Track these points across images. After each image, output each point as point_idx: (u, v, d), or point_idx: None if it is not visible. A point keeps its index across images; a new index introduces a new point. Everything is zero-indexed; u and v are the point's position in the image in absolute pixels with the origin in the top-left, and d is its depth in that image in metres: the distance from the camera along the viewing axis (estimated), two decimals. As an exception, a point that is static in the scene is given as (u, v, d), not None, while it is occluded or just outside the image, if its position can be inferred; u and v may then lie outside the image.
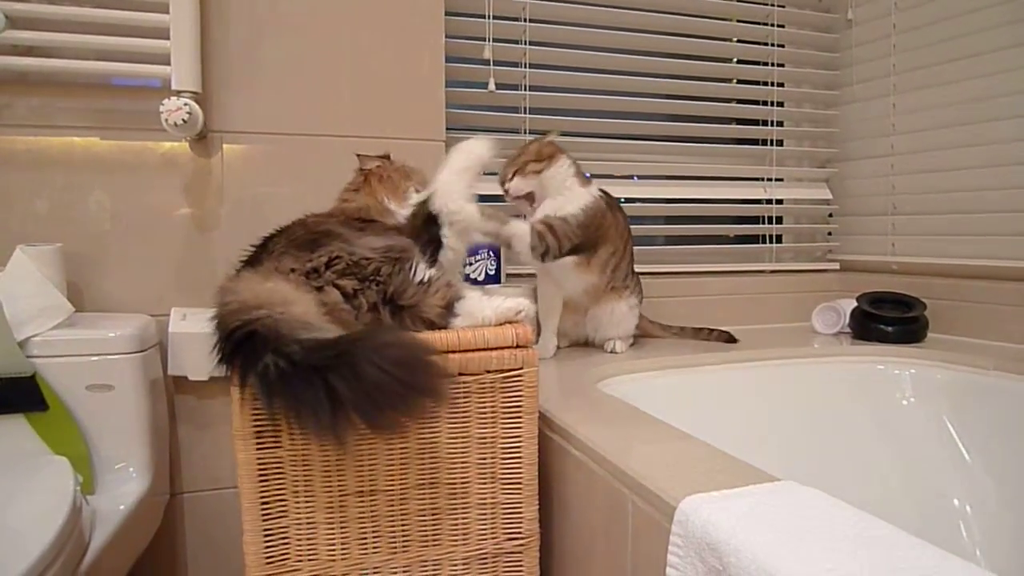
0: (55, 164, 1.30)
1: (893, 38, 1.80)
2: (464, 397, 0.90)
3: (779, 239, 1.99)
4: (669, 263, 1.82)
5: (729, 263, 1.91)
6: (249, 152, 1.40)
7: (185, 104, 1.20)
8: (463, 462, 0.91)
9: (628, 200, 1.85)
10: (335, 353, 0.73)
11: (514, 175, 1.36)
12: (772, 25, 1.91)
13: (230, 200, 1.39)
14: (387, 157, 1.24)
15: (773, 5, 1.90)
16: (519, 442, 0.93)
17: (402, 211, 1.13)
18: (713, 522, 0.62)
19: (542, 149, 1.37)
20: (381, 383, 0.72)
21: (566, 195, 1.36)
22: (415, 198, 1.15)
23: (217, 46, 1.36)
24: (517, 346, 0.91)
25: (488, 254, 1.52)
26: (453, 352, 0.88)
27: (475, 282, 1.50)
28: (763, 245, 1.96)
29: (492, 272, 1.53)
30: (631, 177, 1.86)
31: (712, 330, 1.62)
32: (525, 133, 1.70)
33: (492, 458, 0.92)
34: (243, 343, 0.77)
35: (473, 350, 0.89)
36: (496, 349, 0.90)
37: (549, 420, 0.99)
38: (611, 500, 0.82)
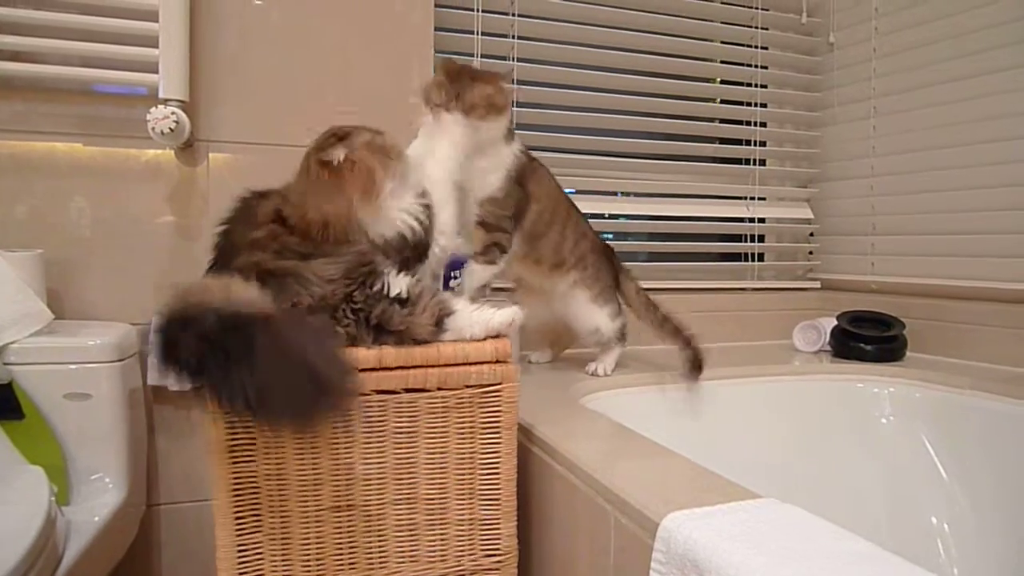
0: (38, 169, 1.30)
1: (873, 62, 1.83)
2: (443, 412, 0.90)
3: (761, 257, 2.01)
4: (652, 280, 1.82)
5: (711, 280, 1.92)
6: (235, 161, 1.40)
7: (172, 113, 1.20)
8: (441, 477, 0.91)
9: (612, 216, 1.87)
10: (235, 326, 0.73)
11: (451, 108, 1.14)
12: (756, 47, 1.94)
13: (215, 209, 1.37)
14: (365, 131, 1.01)
15: (757, 28, 1.93)
16: (498, 458, 0.93)
17: (375, 226, 0.96)
18: (696, 539, 0.63)
19: (495, 98, 1.17)
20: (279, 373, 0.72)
21: (490, 157, 1.22)
22: (400, 209, 0.98)
23: (205, 55, 1.37)
24: (497, 361, 0.92)
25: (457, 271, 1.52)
26: (432, 367, 0.88)
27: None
28: (745, 263, 1.98)
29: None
30: (615, 193, 1.87)
31: (688, 342, 1.39)
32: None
33: (471, 473, 0.92)
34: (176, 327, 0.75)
35: (453, 365, 0.89)
36: (476, 364, 0.91)
37: (531, 434, 1.00)
38: (593, 516, 0.82)
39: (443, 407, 0.90)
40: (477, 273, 1.26)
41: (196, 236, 1.38)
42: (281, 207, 0.93)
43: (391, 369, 0.87)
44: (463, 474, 0.92)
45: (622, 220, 1.88)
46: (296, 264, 0.87)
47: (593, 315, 1.37)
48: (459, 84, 1.16)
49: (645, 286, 1.72)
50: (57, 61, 1.25)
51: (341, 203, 0.93)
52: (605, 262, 1.41)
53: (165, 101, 1.24)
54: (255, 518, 0.85)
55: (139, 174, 1.35)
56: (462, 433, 0.92)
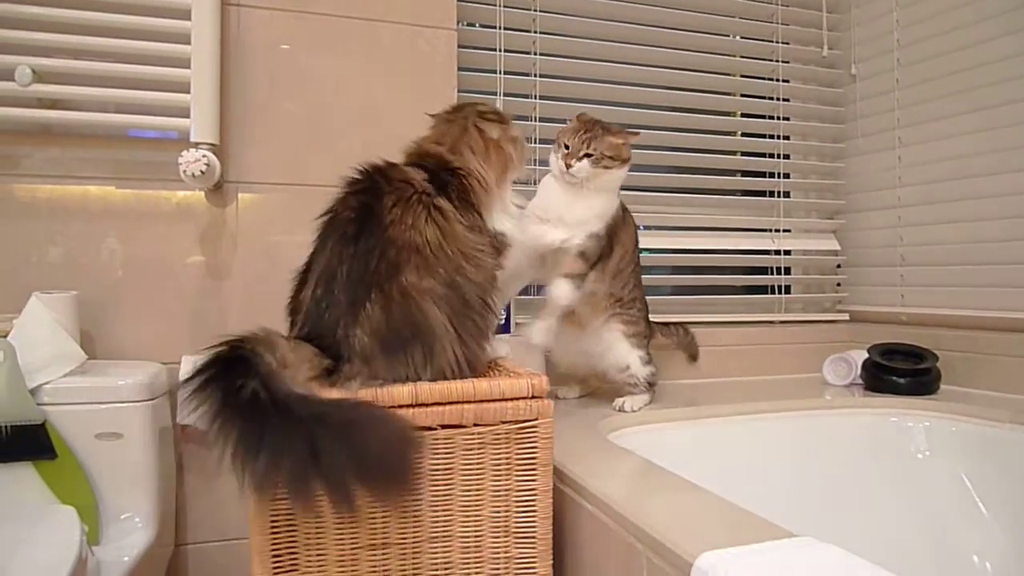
0: (72, 213, 1.32)
1: (896, 93, 1.84)
2: (479, 448, 0.89)
3: (788, 290, 2.00)
4: (676, 313, 1.81)
5: (738, 314, 1.91)
6: (264, 201, 1.42)
7: (204, 156, 1.22)
8: (476, 515, 0.90)
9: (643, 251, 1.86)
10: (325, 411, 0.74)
11: (584, 158, 1.29)
12: (777, 80, 1.95)
13: (244, 249, 1.40)
14: (516, 127, 1.14)
15: (778, 61, 1.95)
16: (534, 495, 0.92)
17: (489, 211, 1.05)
18: (734, 580, 0.61)
19: (622, 150, 1.32)
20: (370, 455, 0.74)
21: (605, 198, 1.35)
22: (510, 204, 1.11)
23: (235, 99, 1.40)
24: (532, 396, 0.91)
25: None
26: (468, 403, 0.88)
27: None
28: (772, 296, 1.96)
29: (502, 322, 1.53)
30: (639, 227, 1.87)
31: (680, 327, 1.68)
32: (534, 184, 1.72)
33: (506, 511, 0.91)
34: (228, 364, 0.76)
35: (488, 400, 0.89)
36: (512, 399, 0.90)
37: (561, 472, 0.98)
38: (625, 555, 0.80)
39: (479, 443, 0.89)
40: (564, 289, 1.30)
41: (225, 275, 1.39)
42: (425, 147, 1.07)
43: (427, 405, 0.87)
44: (498, 511, 0.91)
45: (646, 254, 1.88)
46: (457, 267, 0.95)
47: (627, 354, 1.41)
48: (592, 133, 1.30)
49: (671, 320, 1.72)
50: (93, 108, 1.28)
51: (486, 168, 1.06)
52: (647, 311, 1.51)
53: (196, 144, 1.26)
54: (292, 556, 0.84)
55: (170, 216, 1.37)
56: (497, 469, 0.90)
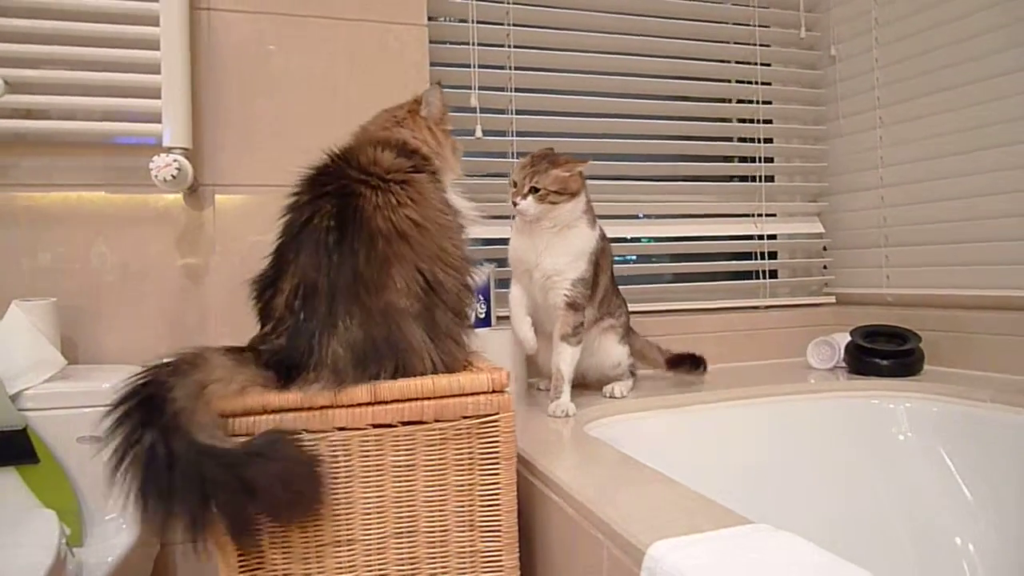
0: (51, 220, 1.34)
1: (876, 72, 1.83)
2: (440, 444, 0.90)
3: (775, 274, 1.99)
4: (660, 301, 1.82)
5: (723, 299, 1.91)
6: (240, 203, 1.43)
7: (175, 160, 1.23)
8: (441, 510, 0.91)
9: (618, 240, 1.86)
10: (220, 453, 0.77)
11: (529, 194, 1.26)
12: (756, 64, 1.94)
13: (222, 250, 1.42)
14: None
15: (756, 45, 1.94)
16: (497, 488, 0.93)
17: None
18: (680, 568, 0.62)
19: (569, 183, 1.28)
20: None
21: (571, 233, 1.31)
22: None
23: (208, 103, 1.41)
24: (493, 391, 0.92)
25: (478, 298, 1.53)
26: (428, 399, 0.89)
27: (465, 325, 1.51)
28: (757, 281, 1.96)
29: (482, 316, 1.53)
30: (637, 216, 1.88)
31: (689, 359, 1.55)
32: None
33: (470, 505, 0.92)
34: (136, 406, 0.78)
35: (448, 396, 0.90)
36: (472, 395, 0.91)
37: (531, 465, 0.99)
38: (588, 546, 0.81)
39: (441, 439, 0.90)
40: (571, 355, 1.31)
41: (204, 277, 1.41)
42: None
43: (386, 403, 0.88)
44: (463, 506, 0.92)
45: (629, 243, 1.88)
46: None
47: (618, 353, 1.46)
48: (536, 168, 1.27)
49: (655, 308, 1.72)
50: (68, 116, 1.30)
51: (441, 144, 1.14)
52: (624, 301, 1.53)
53: (169, 149, 1.27)
54: (257, 555, 0.86)
55: (148, 220, 1.39)
56: (461, 465, 0.91)
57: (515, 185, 1.30)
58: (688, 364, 1.54)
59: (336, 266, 0.90)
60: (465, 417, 0.91)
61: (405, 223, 0.93)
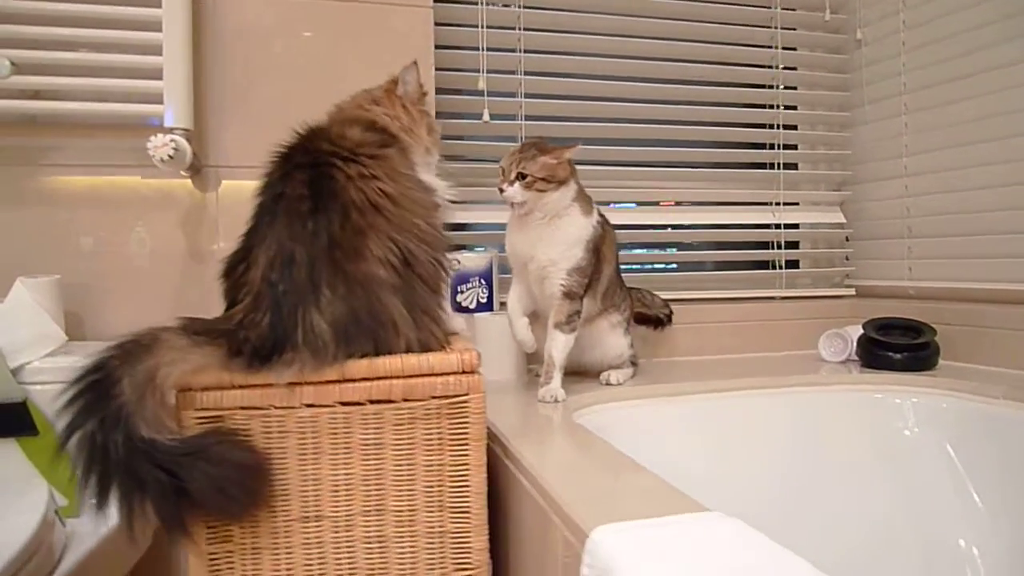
0: (58, 201, 1.38)
1: (903, 57, 1.75)
2: (409, 423, 0.90)
3: (793, 264, 1.94)
4: (677, 290, 1.78)
5: (738, 289, 1.86)
6: (245, 185, 1.44)
7: (172, 140, 1.24)
8: (410, 489, 0.91)
9: (631, 226, 1.83)
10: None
11: (516, 181, 1.24)
12: (776, 48, 1.88)
13: (226, 231, 1.44)
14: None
15: (777, 28, 1.88)
16: (467, 470, 0.92)
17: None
18: (617, 553, 0.60)
19: (557, 170, 1.26)
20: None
21: (563, 222, 1.29)
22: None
23: (213, 84, 1.43)
24: (463, 372, 0.91)
25: (480, 282, 1.52)
26: (396, 378, 0.89)
27: (467, 310, 1.51)
28: (773, 271, 1.91)
29: (484, 300, 1.53)
30: (632, 204, 1.85)
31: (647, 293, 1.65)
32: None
33: (439, 486, 0.92)
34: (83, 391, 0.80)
35: (417, 376, 0.89)
36: (441, 375, 0.90)
37: (505, 447, 0.98)
38: (546, 529, 0.80)
39: (409, 419, 0.90)
40: (563, 342, 1.29)
41: (207, 256, 1.43)
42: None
43: (355, 381, 0.88)
44: (432, 486, 0.91)
45: (646, 230, 1.85)
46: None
47: (621, 344, 1.45)
48: (524, 154, 1.26)
49: (670, 297, 1.70)
50: (73, 98, 1.32)
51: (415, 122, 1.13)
52: (628, 292, 1.51)
53: (171, 130, 1.29)
54: (225, 528, 0.87)
55: (154, 201, 1.42)
56: (430, 445, 0.91)
57: (503, 172, 1.28)
58: (651, 323, 1.67)
59: (312, 233, 0.89)
60: (434, 397, 0.90)
61: (378, 196, 0.92)
